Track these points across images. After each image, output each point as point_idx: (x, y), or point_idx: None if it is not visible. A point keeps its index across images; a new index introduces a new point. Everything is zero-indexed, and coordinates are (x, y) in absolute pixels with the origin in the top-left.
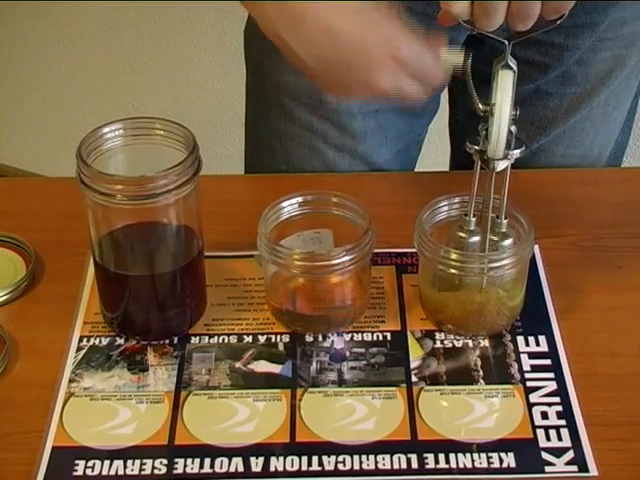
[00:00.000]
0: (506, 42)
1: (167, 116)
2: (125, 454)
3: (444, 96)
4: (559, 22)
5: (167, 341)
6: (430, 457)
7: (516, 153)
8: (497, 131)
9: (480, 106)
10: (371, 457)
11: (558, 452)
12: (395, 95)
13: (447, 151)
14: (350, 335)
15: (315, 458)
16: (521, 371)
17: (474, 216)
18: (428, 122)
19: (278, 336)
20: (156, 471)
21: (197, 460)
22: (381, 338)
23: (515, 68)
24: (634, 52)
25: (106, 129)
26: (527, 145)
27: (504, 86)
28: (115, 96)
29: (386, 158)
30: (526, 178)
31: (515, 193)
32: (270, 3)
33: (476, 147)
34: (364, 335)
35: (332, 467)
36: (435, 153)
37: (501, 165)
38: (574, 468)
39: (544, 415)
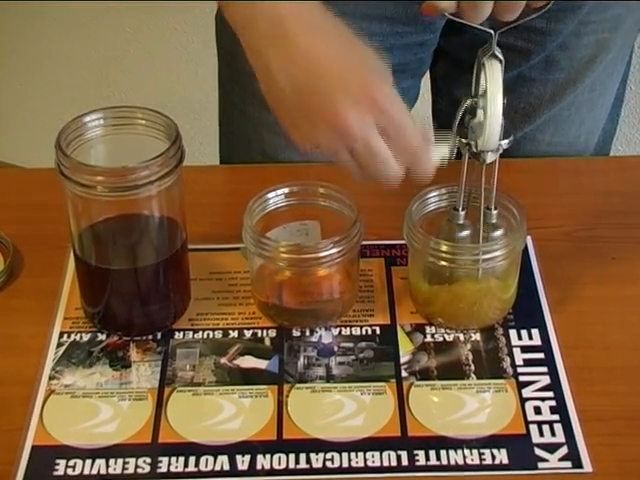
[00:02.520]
0: (492, 31)
1: (149, 105)
2: (107, 453)
3: (424, 84)
4: (546, 8)
5: (150, 336)
6: (421, 454)
7: (505, 143)
8: (490, 123)
9: (468, 100)
10: (360, 454)
11: (551, 448)
12: (360, 139)
13: None
14: (338, 329)
15: (303, 456)
16: (513, 365)
17: (463, 209)
18: (408, 109)
19: (264, 331)
20: (139, 470)
21: (182, 458)
22: (370, 332)
23: (502, 57)
24: (618, 35)
25: (86, 118)
26: (511, 134)
27: (493, 77)
28: (95, 84)
29: None
30: (517, 167)
31: (506, 183)
32: (261, 16)
33: (463, 140)
34: (352, 329)
35: (320, 465)
36: None
37: (491, 157)
38: (568, 464)
39: (537, 410)
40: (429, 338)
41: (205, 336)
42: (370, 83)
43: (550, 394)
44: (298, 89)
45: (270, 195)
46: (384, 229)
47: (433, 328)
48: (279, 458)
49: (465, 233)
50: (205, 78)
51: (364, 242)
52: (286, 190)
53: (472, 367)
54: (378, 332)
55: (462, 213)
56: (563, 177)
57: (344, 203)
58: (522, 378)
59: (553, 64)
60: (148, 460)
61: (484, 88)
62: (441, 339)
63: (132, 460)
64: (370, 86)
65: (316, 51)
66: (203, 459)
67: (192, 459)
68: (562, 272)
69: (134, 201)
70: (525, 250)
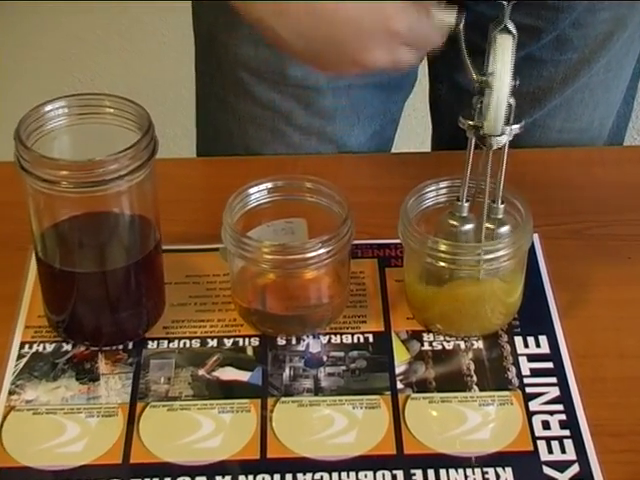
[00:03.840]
0: (505, 2)
1: (118, 92)
2: (74, 475)
3: (422, 68)
4: None
5: (120, 346)
6: (418, 473)
7: (515, 128)
8: (496, 104)
9: (475, 76)
10: (352, 474)
11: (561, 466)
12: (390, 68)
13: (425, 130)
14: (327, 337)
15: (289, 477)
16: (519, 376)
17: (467, 201)
18: (405, 98)
19: (246, 339)
20: None
21: None
22: (362, 340)
23: (515, 32)
24: (636, 11)
25: (48, 107)
26: (523, 118)
27: (503, 53)
28: (58, 69)
29: (359, 140)
30: (524, 158)
31: (511, 175)
32: None
33: (470, 122)
34: (343, 337)
35: None
36: (412, 133)
37: (499, 142)
38: None
39: (545, 425)
40: (427, 346)
41: (181, 345)
42: (389, 18)
43: (560, 407)
44: (313, 45)
45: (252, 190)
46: (377, 227)
47: (431, 335)
48: (263, 479)
49: (467, 227)
50: (181, 62)
51: (355, 241)
52: (270, 185)
53: (474, 378)
54: (371, 340)
55: (466, 205)
56: (574, 169)
57: (333, 199)
58: (529, 390)
59: (565, 43)
60: None
61: (492, 65)
62: (440, 347)
63: None
64: (390, 21)
65: (323, 4)
66: None
67: None
68: (572, 273)
69: (102, 198)
70: (532, 249)
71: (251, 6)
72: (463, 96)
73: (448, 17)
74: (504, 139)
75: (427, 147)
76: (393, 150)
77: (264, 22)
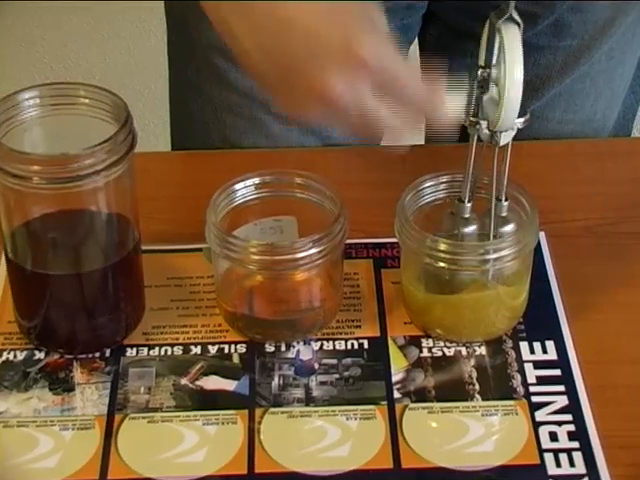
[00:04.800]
0: None
1: (94, 81)
2: None
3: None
4: None
5: (97, 354)
6: None
7: (520, 122)
8: (508, 99)
9: (479, 72)
10: None
11: None
12: (358, 111)
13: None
14: (319, 344)
15: None
16: (525, 384)
17: (469, 201)
18: None
19: (232, 346)
20: None
21: None
22: (357, 346)
23: (520, 20)
24: None
25: (19, 97)
26: (527, 111)
27: (511, 44)
28: (29, 56)
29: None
30: (528, 151)
31: (514, 170)
32: None
33: (472, 119)
34: (336, 343)
35: None
36: None
37: (505, 138)
38: None
39: (553, 436)
40: (426, 353)
41: (162, 353)
42: (354, 38)
43: (568, 417)
44: (271, 57)
45: (238, 186)
46: (372, 225)
47: (430, 341)
48: None
49: (470, 229)
50: (161, 48)
51: (349, 240)
52: (257, 180)
53: (476, 386)
54: (366, 346)
55: (468, 205)
56: (581, 161)
57: (325, 195)
58: (535, 399)
59: (564, 29)
60: None
61: (498, 57)
62: (440, 354)
63: None
64: (355, 42)
65: (283, 8)
66: None
67: None
68: (581, 274)
69: (77, 194)
70: (538, 248)
71: (216, 6)
72: (461, 41)
73: (455, 102)
74: (510, 134)
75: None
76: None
77: (226, 21)
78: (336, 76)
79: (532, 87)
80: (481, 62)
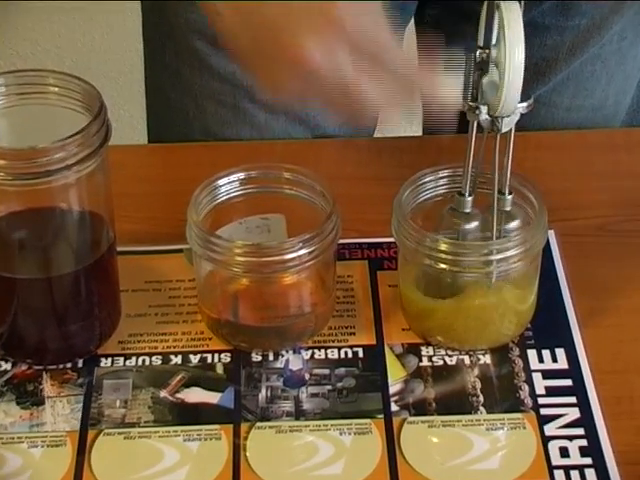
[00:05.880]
0: None
1: (64, 67)
2: None
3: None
4: None
5: (69, 365)
6: None
7: (523, 107)
8: (509, 81)
9: (477, 53)
10: None
11: None
12: (339, 83)
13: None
14: (310, 352)
15: None
16: (533, 395)
17: (470, 195)
18: None
19: (216, 355)
20: None
21: None
22: (351, 355)
23: None
24: None
25: None
26: (530, 94)
27: (512, 22)
28: None
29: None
30: (535, 142)
31: (520, 162)
32: None
33: (471, 104)
34: (328, 352)
35: None
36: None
37: (507, 124)
38: None
39: (564, 452)
40: (426, 362)
41: (139, 363)
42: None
43: (580, 431)
44: (249, 27)
45: (221, 182)
46: (367, 223)
47: (430, 349)
48: None
49: (471, 225)
50: (137, 30)
51: (342, 240)
52: (241, 175)
53: (481, 398)
54: (361, 355)
55: (469, 199)
56: (594, 153)
57: (316, 191)
58: (544, 411)
59: (572, 7)
60: None
61: (498, 37)
62: (441, 363)
63: None
64: (331, 3)
65: None
66: None
67: None
68: (594, 275)
69: (46, 191)
70: (546, 248)
71: None
72: (461, 21)
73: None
74: (513, 120)
75: (419, 129)
76: (380, 133)
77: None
78: (314, 43)
79: (538, 71)
80: (480, 42)
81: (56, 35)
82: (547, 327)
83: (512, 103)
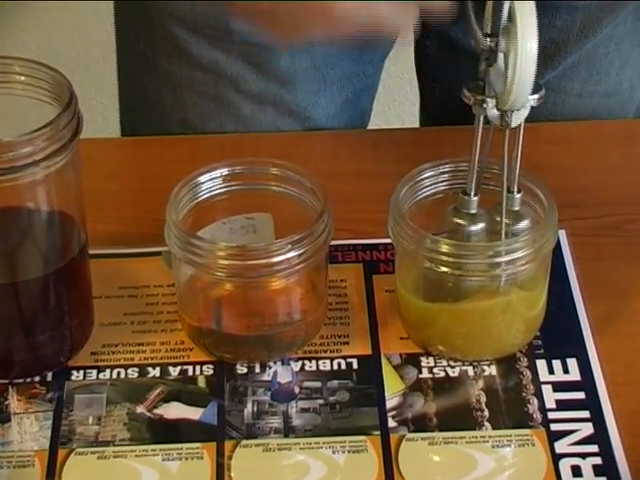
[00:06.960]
0: None
1: (31, 54)
2: None
3: None
4: None
5: (37, 378)
6: None
7: (534, 99)
8: (520, 72)
9: (481, 38)
10: None
11: None
12: (368, 25)
13: (411, 97)
14: (300, 363)
15: None
16: (543, 409)
17: (475, 194)
18: (384, 56)
19: (197, 367)
20: None
21: None
22: (344, 367)
23: None
24: None
25: None
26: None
27: (523, 12)
28: None
29: (327, 112)
30: (545, 135)
31: (529, 157)
32: None
33: (478, 97)
34: (320, 363)
35: None
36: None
37: (517, 118)
38: None
39: (576, 470)
40: (426, 373)
41: (114, 376)
42: None
43: (594, 448)
44: None
45: (203, 178)
46: (362, 223)
47: (431, 359)
48: None
49: (477, 227)
50: (110, 15)
51: (334, 242)
52: (225, 171)
53: (486, 413)
54: (355, 366)
55: (475, 199)
56: (608, 146)
57: (305, 188)
58: (555, 427)
59: None
60: None
61: (507, 22)
62: (442, 374)
63: None
64: None
65: None
66: None
67: None
68: (608, 279)
69: (12, 189)
70: (557, 249)
71: None
72: (459, 56)
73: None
74: (523, 113)
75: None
76: (376, 125)
77: None
78: None
79: (547, 54)
80: (487, 29)
81: (23, 20)
82: (558, 335)
83: (523, 95)
